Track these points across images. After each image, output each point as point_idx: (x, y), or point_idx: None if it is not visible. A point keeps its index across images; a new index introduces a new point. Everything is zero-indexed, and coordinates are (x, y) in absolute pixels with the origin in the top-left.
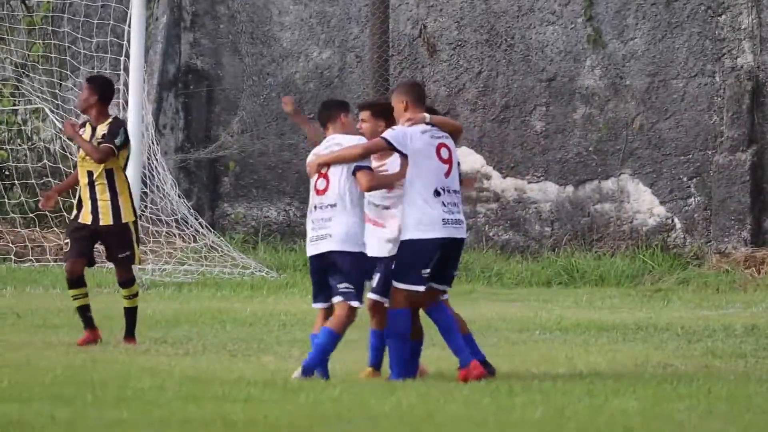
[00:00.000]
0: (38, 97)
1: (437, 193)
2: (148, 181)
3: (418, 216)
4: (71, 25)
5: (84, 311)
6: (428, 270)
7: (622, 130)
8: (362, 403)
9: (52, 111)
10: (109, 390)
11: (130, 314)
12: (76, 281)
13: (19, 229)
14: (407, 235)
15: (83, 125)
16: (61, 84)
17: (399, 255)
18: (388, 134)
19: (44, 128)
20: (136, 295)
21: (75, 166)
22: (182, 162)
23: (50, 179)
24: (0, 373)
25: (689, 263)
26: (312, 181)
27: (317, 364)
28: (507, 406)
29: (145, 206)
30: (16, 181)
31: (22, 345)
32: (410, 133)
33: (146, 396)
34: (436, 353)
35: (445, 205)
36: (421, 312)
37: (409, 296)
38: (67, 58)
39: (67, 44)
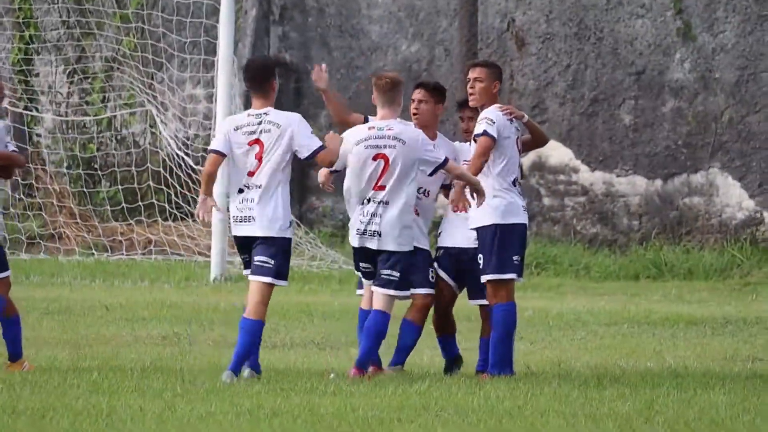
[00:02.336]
0: (129, 90)
1: (514, 183)
2: None
3: (507, 201)
4: (161, 19)
5: None
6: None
7: (712, 123)
8: (450, 396)
9: (147, 102)
10: (198, 383)
11: None
12: None
13: (109, 222)
14: (497, 220)
15: None
16: (153, 76)
17: (493, 242)
18: (491, 129)
19: (134, 121)
20: None
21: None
22: None
23: (134, 170)
24: (89, 365)
25: None
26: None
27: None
28: (596, 399)
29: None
30: (116, 173)
31: (110, 338)
32: (504, 122)
33: (235, 388)
34: (523, 347)
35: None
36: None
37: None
38: (163, 46)
39: (153, 41)
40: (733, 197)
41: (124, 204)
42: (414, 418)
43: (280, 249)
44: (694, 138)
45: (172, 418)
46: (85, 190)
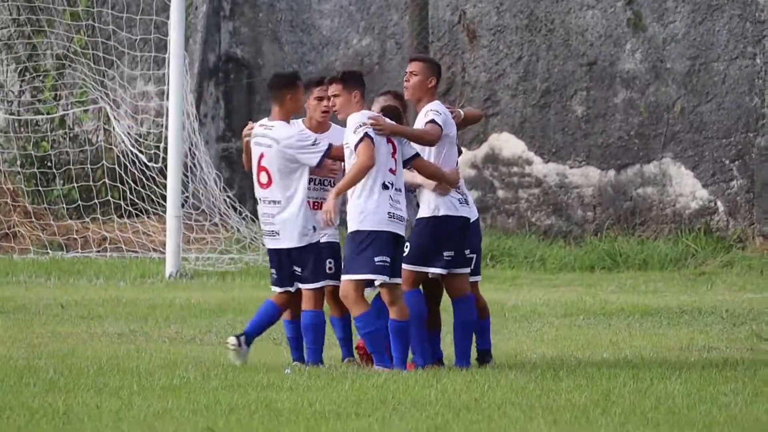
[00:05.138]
0: (81, 88)
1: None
2: (190, 171)
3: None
4: (111, 16)
5: None
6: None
7: (664, 113)
8: (407, 390)
9: (99, 99)
10: (154, 380)
11: None
12: None
13: (63, 220)
14: (435, 213)
15: None
16: (105, 74)
17: (421, 234)
18: (438, 119)
19: (87, 119)
20: None
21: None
22: (224, 151)
23: (88, 168)
24: (45, 363)
25: (732, 246)
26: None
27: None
28: (552, 390)
29: (187, 197)
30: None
31: (67, 336)
32: (449, 118)
33: (192, 385)
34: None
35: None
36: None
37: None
38: (112, 45)
39: (103, 39)
40: (686, 187)
41: (78, 202)
42: (371, 412)
43: None
44: (647, 128)
45: (128, 415)
46: (39, 188)
